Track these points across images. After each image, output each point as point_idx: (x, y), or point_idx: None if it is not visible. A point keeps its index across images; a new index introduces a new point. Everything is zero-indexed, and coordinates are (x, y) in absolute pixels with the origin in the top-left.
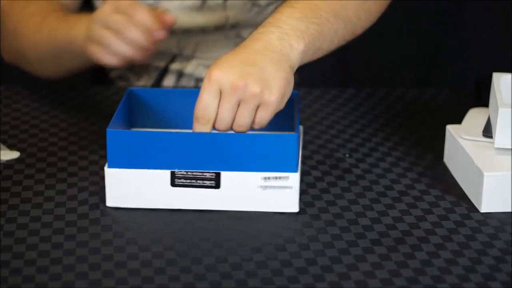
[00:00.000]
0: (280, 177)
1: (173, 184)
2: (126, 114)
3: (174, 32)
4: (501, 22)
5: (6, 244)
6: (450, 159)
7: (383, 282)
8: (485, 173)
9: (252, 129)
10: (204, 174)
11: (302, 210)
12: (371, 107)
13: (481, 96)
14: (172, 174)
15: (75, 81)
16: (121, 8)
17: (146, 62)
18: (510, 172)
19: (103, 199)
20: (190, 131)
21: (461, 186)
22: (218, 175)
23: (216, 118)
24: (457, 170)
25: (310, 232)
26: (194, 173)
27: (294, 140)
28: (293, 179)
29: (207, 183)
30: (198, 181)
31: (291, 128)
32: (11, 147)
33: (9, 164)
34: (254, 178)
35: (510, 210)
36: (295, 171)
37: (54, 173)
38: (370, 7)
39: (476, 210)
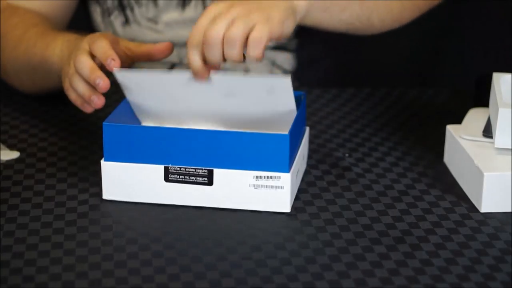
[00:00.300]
0: (271, 177)
1: (166, 179)
2: (128, 110)
3: (175, 44)
4: (501, 22)
5: (6, 244)
6: (450, 159)
7: (382, 281)
8: (485, 173)
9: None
10: (197, 170)
11: (301, 209)
12: (370, 107)
13: (481, 96)
14: (166, 169)
15: None
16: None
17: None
18: (510, 172)
19: (103, 199)
20: (185, 126)
21: (461, 186)
22: (211, 172)
23: (204, 37)
24: (457, 170)
25: (309, 231)
26: (187, 169)
27: (286, 140)
28: (285, 179)
29: (200, 179)
30: (191, 177)
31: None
32: (11, 147)
33: (9, 164)
34: (246, 176)
35: (510, 210)
36: (287, 171)
37: (54, 173)
38: (392, 6)
39: (476, 210)
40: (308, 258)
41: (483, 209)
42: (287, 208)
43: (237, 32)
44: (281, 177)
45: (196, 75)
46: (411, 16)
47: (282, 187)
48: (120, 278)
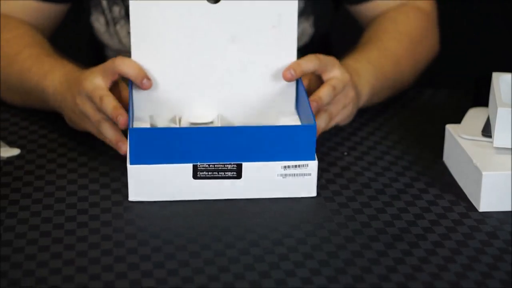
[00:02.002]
0: (299, 165)
1: (195, 177)
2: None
3: None
4: (501, 22)
5: (7, 238)
6: (449, 158)
7: (380, 278)
8: (483, 173)
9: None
10: (226, 166)
11: (300, 206)
12: (369, 106)
13: (480, 95)
14: (194, 167)
15: None
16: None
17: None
18: (509, 172)
19: (103, 195)
20: (210, 124)
21: (460, 185)
22: (239, 166)
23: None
24: (456, 169)
25: (308, 227)
26: (216, 165)
27: (313, 131)
28: (312, 166)
29: (229, 174)
30: (220, 173)
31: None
32: (11, 143)
33: (9, 160)
34: (274, 167)
35: (508, 210)
36: (313, 159)
37: (54, 169)
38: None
39: (474, 209)
40: (306, 254)
41: (481, 208)
42: (313, 193)
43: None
44: (308, 165)
45: None
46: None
47: (309, 174)
48: (119, 273)
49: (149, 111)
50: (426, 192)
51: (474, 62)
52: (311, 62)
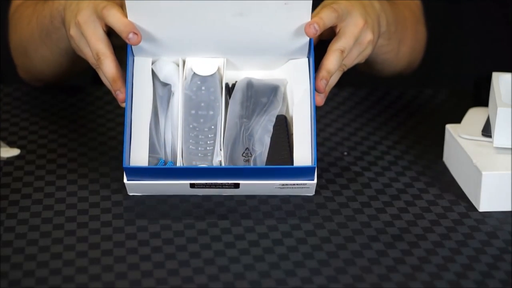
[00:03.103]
0: (297, 184)
1: (192, 186)
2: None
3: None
4: (501, 22)
5: (7, 239)
6: (449, 158)
7: (380, 278)
8: (483, 173)
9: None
10: (223, 185)
11: (300, 206)
12: (369, 106)
13: (480, 95)
14: (192, 185)
15: (76, 79)
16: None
17: None
18: (509, 172)
19: (103, 196)
20: (203, 165)
21: (460, 185)
22: (237, 185)
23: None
24: (456, 169)
25: (308, 227)
26: (213, 183)
27: (312, 171)
28: (310, 185)
29: (226, 187)
30: (218, 187)
31: None
32: (11, 144)
33: (9, 160)
34: (272, 184)
35: (508, 209)
36: (313, 179)
37: (54, 170)
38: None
39: (474, 209)
40: (306, 254)
41: (481, 208)
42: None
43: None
44: (307, 184)
45: None
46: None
47: (307, 187)
48: (119, 273)
49: (151, 54)
50: (426, 192)
51: (474, 62)
52: (331, 16)
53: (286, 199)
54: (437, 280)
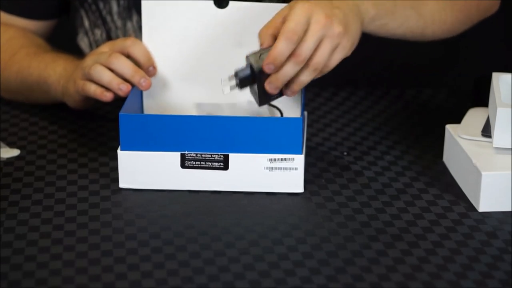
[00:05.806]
0: (285, 159)
1: (183, 165)
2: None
3: None
4: (500, 22)
5: (7, 240)
6: (449, 158)
7: (379, 277)
8: (483, 173)
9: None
10: (213, 156)
11: (300, 206)
12: (369, 106)
13: (480, 95)
14: (182, 156)
15: None
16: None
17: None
18: (509, 172)
19: (103, 196)
20: (200, 114)
21: (459, 185)
22: (226, 157)
23: (299, 44)
24: (456, 169)
25: (308, 227)
26: (203, 155)
27: (299, 123)
28: (298, 160)
29: (216, 165)
30: (207, 163)
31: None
32: (11, 144)
33: (9, 161)
34: (261, 159)
35: (508, 210)
36: (300, 153)
37: (54, 170)
38: (446, 18)
39: (474, 209)
40: (305, 254)
41: (481, 208)
42: (300, 189)
43: (323, 58)
44: (295, 159)
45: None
46: (463, 28)
47: (296, 168)
48: (119, 274)
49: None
50: (426, 192)
51: (473, 62)
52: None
53: (285, 199)
54: (436, 280)
